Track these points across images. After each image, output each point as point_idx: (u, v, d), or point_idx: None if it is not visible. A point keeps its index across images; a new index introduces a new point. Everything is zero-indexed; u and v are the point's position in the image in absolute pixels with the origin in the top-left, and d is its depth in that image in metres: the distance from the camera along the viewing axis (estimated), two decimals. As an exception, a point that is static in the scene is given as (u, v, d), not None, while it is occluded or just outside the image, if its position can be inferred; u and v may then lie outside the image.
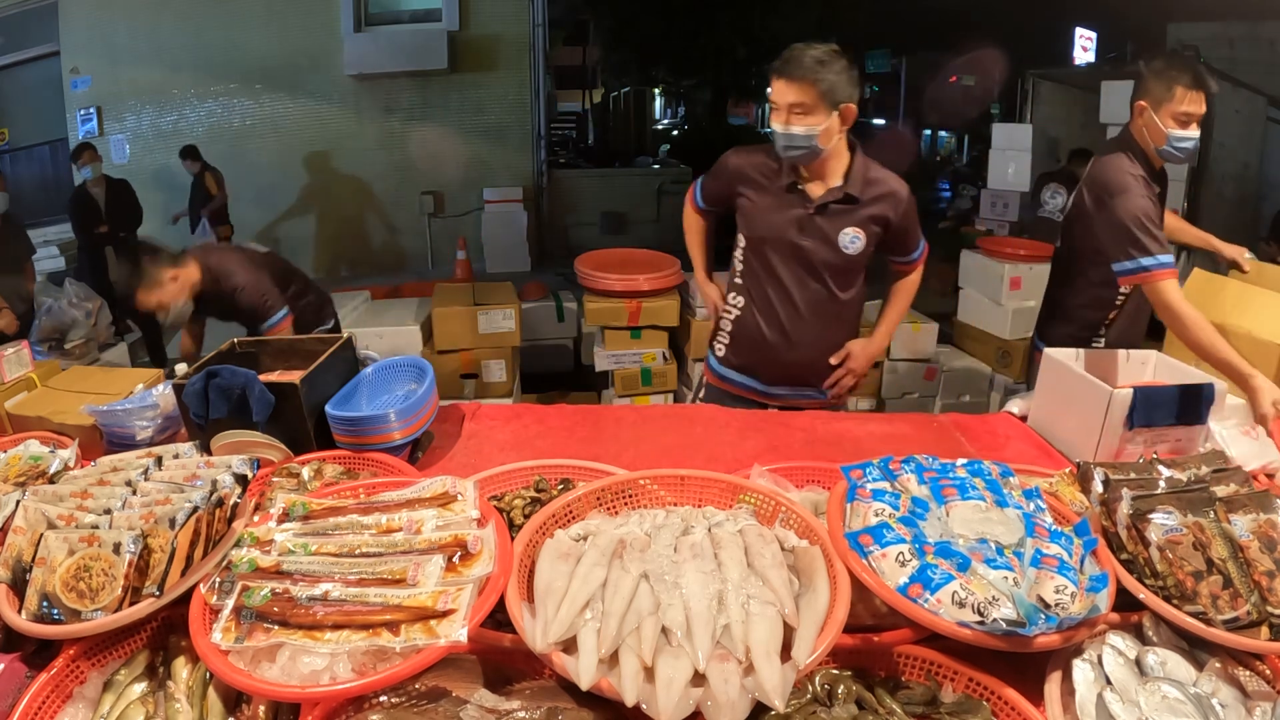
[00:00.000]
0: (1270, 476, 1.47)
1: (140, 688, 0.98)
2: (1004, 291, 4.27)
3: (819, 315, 1.95)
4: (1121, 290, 2.05)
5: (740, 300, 2.01)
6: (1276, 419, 1.58)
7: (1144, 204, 1.84)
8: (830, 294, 1.93)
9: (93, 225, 4.99)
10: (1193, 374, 1.70)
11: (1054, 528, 1.06)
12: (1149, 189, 1.88)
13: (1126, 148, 1.96)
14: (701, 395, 2.18)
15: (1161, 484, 1.17)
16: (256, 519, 1.13)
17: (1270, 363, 1.74)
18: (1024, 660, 0.95)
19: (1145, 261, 1.80)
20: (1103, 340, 2.13)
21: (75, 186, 5.08)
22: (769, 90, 1.77)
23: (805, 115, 1.73)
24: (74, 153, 5.05)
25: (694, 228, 2.16)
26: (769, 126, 1.86)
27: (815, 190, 1.87)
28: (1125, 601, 1.03)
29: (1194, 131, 1.88)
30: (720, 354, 2.08)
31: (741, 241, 1.99)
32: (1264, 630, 0.99)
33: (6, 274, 3.67)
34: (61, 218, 6.67)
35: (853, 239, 1.87)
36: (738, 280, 2.02)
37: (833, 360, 2.01)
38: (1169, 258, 1.81)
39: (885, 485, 1.15)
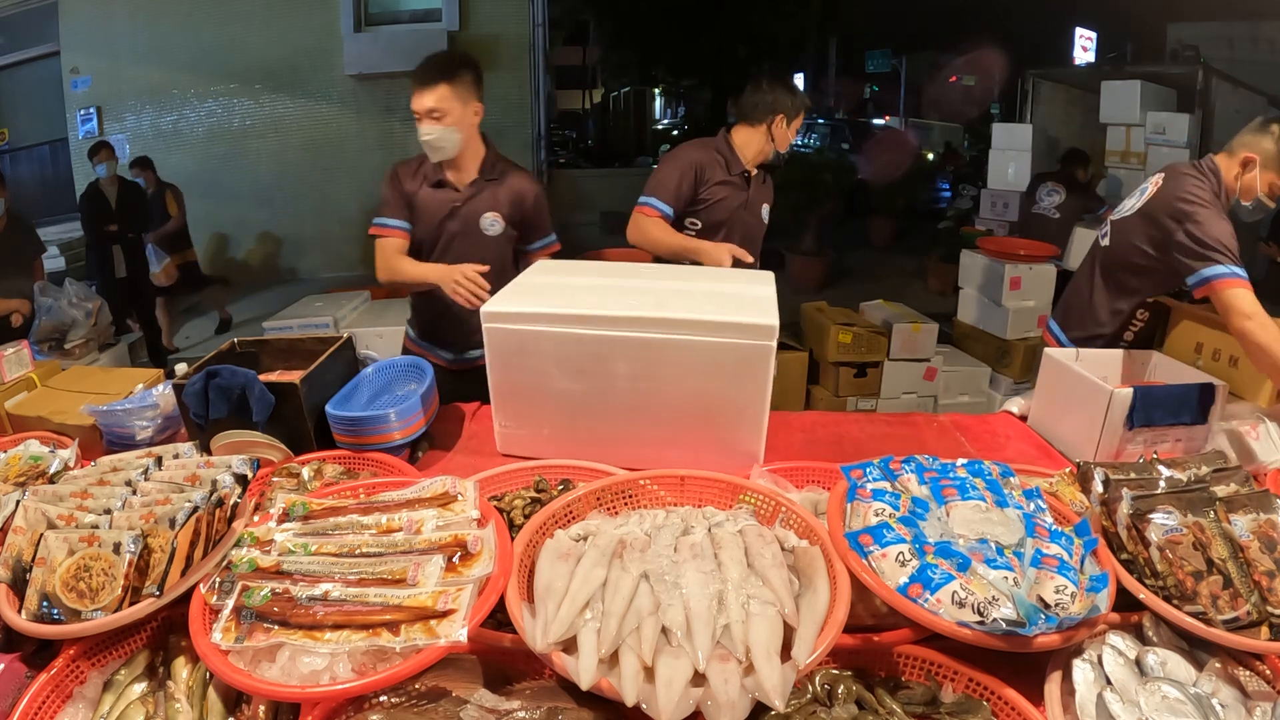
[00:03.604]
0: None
1: (140, 688, 0.98)
2: (1004, 291, 4.27)
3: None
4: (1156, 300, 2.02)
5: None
6: None
7: (1228, 229, 1.80)
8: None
9: (102, 223, 5.02)
10: (1193, 374, 1.70)
11: (1054, 528, 1.06)
12: (1229, 224, 1.83)
13: (1213, 185, 1.90)
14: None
15: (1161, 484, 1.17)
16: (256, 519, 1.13)
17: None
18: (1024, 660, 0.95)
19: (1221, 269, 1.74)
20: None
21: (89, 183, 5.11)
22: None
23: (442, 118, 1.96)
24: (91, 150, 5.10)
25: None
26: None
27: (460, 180, 2.10)
28: (1125, 601, 1.03)
29: (1272, 205, 1.91)
30: (412, 332, 2.33)
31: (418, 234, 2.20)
32: (1264, 630, 0.99)
33: (16, 272, 3.67)
34: (61, 218, 6.70)
35: (491, 222, 2.11)
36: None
37: None
38: (1244, 272, 1.75)
39: (885, 485, 1.15)
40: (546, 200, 2.22)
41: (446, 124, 1.97)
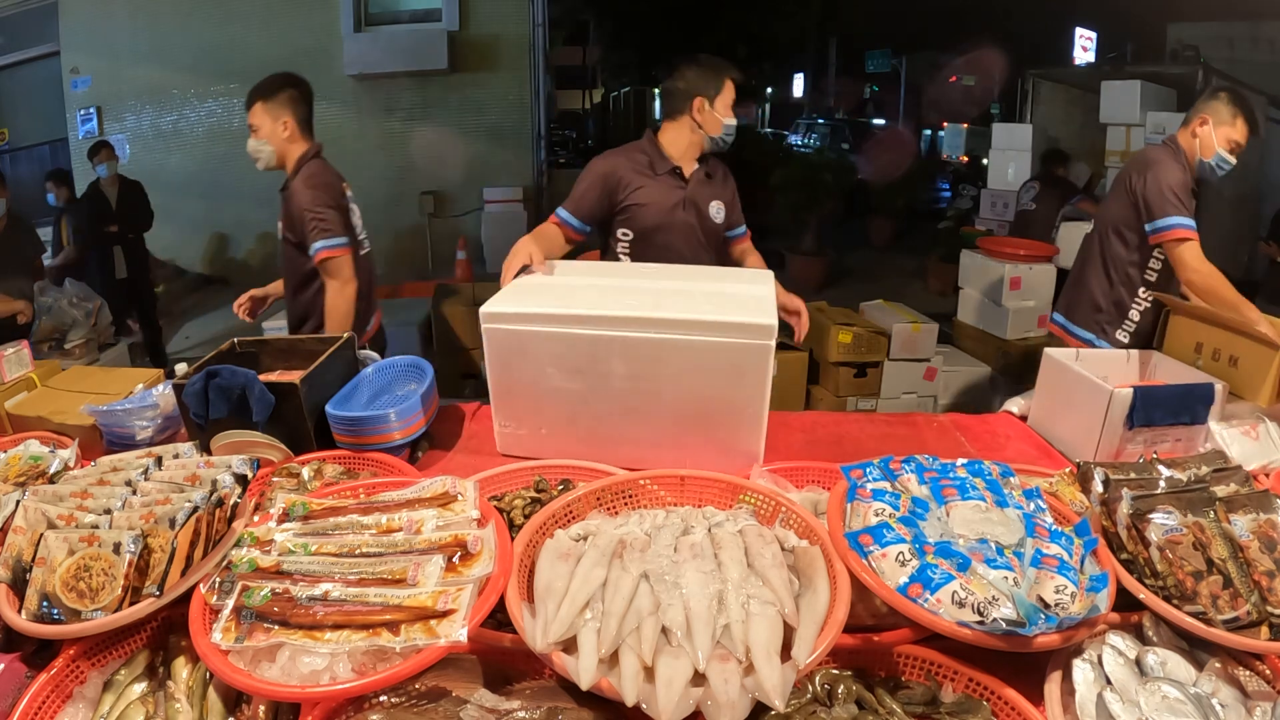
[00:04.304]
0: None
1: (140, 688, 0.98)
2: (1004, 291, 4.27)
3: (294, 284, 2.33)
4: (1149, 270, 2.21)
5: None
6: None
7: (1180, 177, 2.10)
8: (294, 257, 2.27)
9: (103, 223, 5.00)
10: (1193, 374, 1.70)
11: (1054, 528, 1.06)
12: (1184, 175, 2.12)
13: (1172, 148, 2.20)
14: None
15: (1161, 484, 1.17)
16: (256, 519, 1.13)
17: (1271, 363, 1.74)
18: (1024, 660, 0.95)
19: (1174, 220, 2.06)
20: (1128, 335, 2.26)
21: (89, 184, 5.09)
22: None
23: (256, 132, 2.16)
24: (90, 150, 5.07)
25: None
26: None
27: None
28: (1125, 601, 1.03)
29: (1234, 160, 2.15)
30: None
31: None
32: (1264, 630, 0.99)
33: (17, 272, 3.67)
34: (61, 218, 6.68)
35: (280, 228, 2.26)
36: None
37: None
38: (1193, 223, 2.06)
39: (885, 485, 1.15)
40: (312, 205, 2.11)
41: (259, 137, 2.15)
